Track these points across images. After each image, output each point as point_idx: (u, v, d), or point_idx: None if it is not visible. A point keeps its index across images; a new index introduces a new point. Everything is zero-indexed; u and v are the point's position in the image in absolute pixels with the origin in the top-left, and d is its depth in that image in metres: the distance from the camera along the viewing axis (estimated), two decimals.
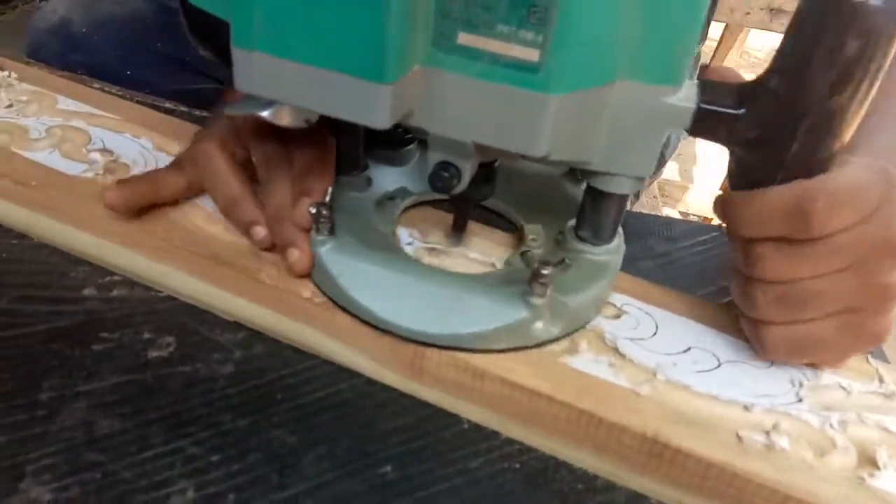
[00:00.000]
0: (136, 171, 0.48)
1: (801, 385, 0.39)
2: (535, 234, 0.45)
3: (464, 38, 0.30)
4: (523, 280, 0.37)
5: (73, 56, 0.70)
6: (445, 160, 0.36)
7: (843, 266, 0.34)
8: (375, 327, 0.38)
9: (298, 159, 0.42)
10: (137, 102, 0.58)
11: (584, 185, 0.44)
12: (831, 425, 0.37)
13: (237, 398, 0.38)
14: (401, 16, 0.29)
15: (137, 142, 0.51)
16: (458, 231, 0.45)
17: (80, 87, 0.57)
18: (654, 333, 0.41)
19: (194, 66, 0.72)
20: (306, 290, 0.40)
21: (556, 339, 0.39)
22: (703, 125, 0.33)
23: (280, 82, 0.32)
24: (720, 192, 0.38)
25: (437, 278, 0.39)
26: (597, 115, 0.33)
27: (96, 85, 0.61)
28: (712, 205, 0.38)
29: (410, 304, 0.38)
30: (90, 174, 0.47)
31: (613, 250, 0.41)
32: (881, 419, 0.38)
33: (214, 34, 0.36)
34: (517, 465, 0.37)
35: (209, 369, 0.40)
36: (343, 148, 0.44)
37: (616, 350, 0.39)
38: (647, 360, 0.39)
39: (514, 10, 0.29)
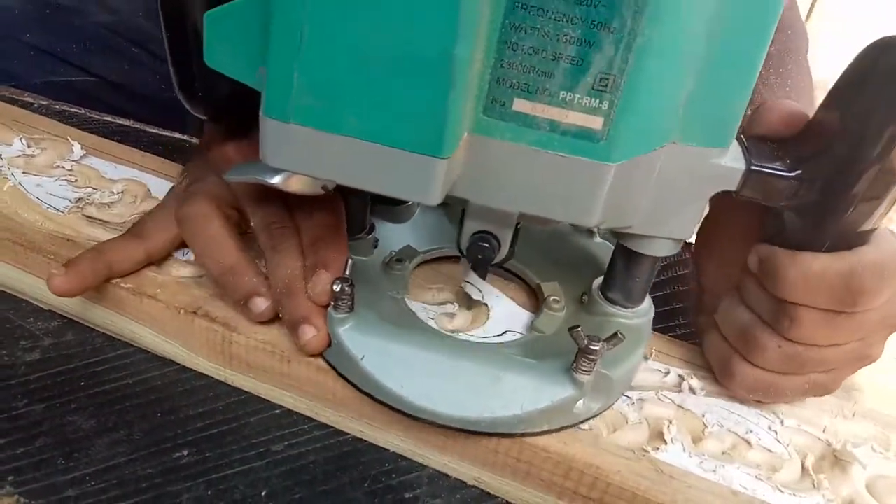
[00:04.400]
0: None
1: None
2: (556, 294, 0.41)
3: (520, 105, 0.28)
4: (561, 351, 0.35)
5: None
6: (483, 230, 0.34)
7: (862, 336, 0.35)
8: (407, 414, 0.35)
9: (307, 226, 0.38)
10: None
11: (597, 239, 0.41)
12: (629, 403, 0.38)
13: (36, 384, 0.37)
14: (464, 90, 0.27)
15: None
16: (470, 310, 0.42)
17: None
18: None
19: (64, 58, 0.71)
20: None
21: (595, 416, 0.36)
22: (753, 187, 0.31)
23: (319, 157, 0.29)
24: (759, 247, 0.36)
25: (470, 354, 0.36)
26: (647, 179, 0.31)
27: None
28: (748, 257, 0.36)
29: (445, 386, 0.34)
30: None
31: (644, 313, 0.39)
32: (679, 398, 0.39)
33: (208, 90, 0.33)
34: (323, 449, 0.37)
35: (13, 357, 0.39)
36: (350, 209, 0.40)
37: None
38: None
39: (579, 76, 0.27)
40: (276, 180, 0.33)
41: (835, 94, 0.31)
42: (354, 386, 0.36)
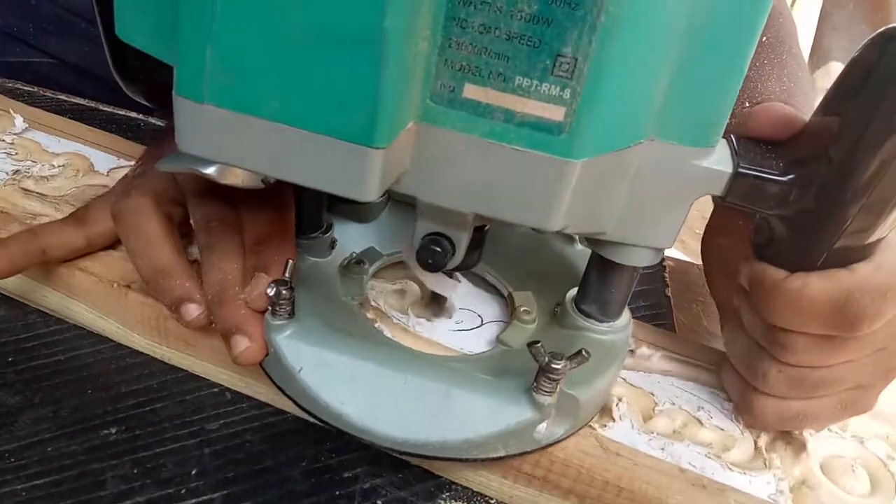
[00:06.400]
0: None
1: None
2: (527, 304, 0.38)
3: (470, 91, 0.24)
4: (525, 368, 0.31)
5: None
6: (436, 231, 0.30)
7: (871, 353, 0.33)
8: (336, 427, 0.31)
9: (251, 225, 0.35)
10: None
11: (578, 246, 0.38)
12: None
13: None
14: (399, 69, 0.23)
15: None
16: (436, 303, 0.39)
17: None
18: None
19: (21, 39, 0.69)
20: None
21: (559, 441, 0.33)
22: (740, 192, 0.28)
23: (238, 143, 0.25)
24: (750, 263, 0.32)
25: (420, 368, 0.32)
26: (621, 181, 0.28)
27: None
28: (740, 274, 0.33)
29: (390, 404, 0.31)
30: None
31: (621, 328, 0.35)
32: (630, 375, 0.38)
33: (146, 72, 0.30)
34: (261, 428, 0.36)
35: None
36: (303, 206, 0.37)
37: (381, 311, 0.39)
38: (402, 319, 0.38)
39: (536, 60, 0.23)
40: (210, 171, 0.29)
41: (836, 91, 0.28)
42: (292, 400, 0.33)
